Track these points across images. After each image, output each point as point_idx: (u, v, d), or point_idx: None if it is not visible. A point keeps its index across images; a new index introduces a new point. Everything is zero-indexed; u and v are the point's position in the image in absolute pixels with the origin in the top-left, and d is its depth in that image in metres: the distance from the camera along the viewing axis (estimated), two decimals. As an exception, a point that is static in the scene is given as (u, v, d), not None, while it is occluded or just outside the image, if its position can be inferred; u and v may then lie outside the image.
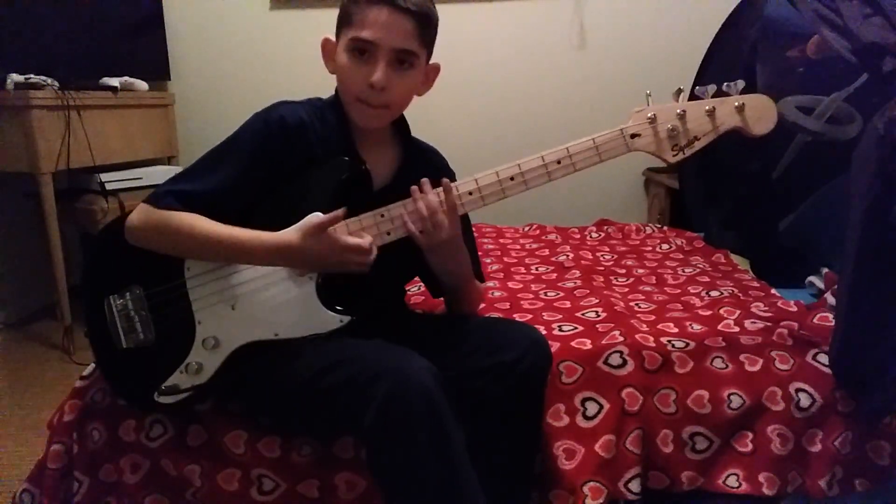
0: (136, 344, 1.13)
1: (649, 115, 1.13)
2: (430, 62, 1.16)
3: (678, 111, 1.12)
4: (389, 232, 1.10)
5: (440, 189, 1.10)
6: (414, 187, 1.10)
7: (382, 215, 1.10)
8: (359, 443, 1.13)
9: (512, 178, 1.12)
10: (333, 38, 1.14)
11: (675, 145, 1.13)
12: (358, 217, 1.09)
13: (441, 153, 1.29)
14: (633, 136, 1.13)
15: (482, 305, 1.50)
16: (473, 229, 2.25)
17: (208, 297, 1.11)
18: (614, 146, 1.13)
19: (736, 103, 1.12)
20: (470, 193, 1.12)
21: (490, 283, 1.70)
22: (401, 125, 1.22)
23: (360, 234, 1.08)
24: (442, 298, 1.33)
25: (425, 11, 1.08)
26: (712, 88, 1.13)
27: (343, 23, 1.11)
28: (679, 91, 1.14)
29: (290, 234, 1.06)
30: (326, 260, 1.05)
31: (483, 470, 1.07)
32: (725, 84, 1.13)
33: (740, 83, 1.13)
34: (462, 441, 0.97)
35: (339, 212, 1.05)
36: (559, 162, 1.12)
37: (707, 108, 1.12)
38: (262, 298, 1.10)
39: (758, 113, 1.13)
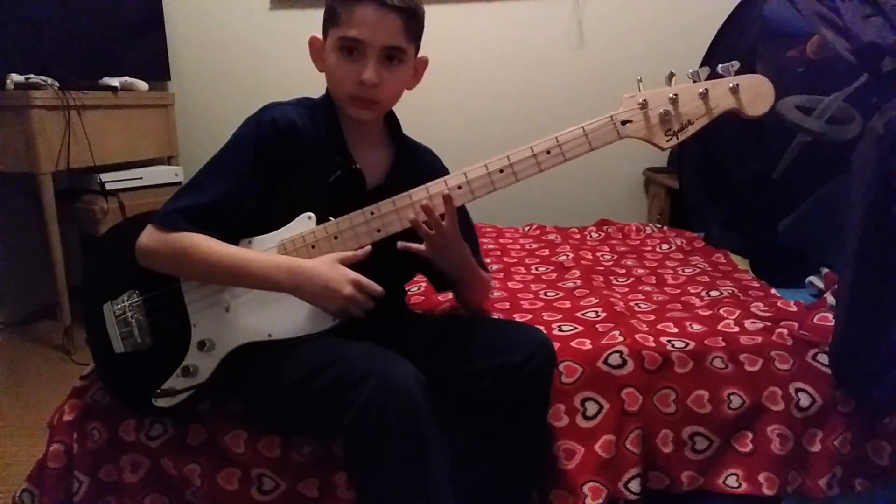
0: (133, 348, 1.13)
1: (640, 100, 1.09)
2: (419, 55, 1.16)
3: (670, 95, 1.08)
4: (380, 229, 1.09)
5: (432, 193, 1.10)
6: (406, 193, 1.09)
7: (372, 213, 1.09)
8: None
9: (501, 171, 1.10)
10: (321, 37, 1.14)
11: (667, 130, 1.09)
12: (348, 215, 1.09)
13: (434, 152, 1.29)
14: (623, 122, 1.09)
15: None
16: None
17: (203, 299, 1.11)
18: (604, 133, 1.09)
19: (730, 84, 1.08)
20: (459, 187, 1.10)
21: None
22: (392, 124, 1.22)
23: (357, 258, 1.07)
24: (445, 293, 1.33)
25: (411, 6, 1.08)
26: (736, 65, 1.09)
27: (330, 22, 1.10)
28: (671, 75, 1.10)
29: (304, 259, 1.07)
30: (333, 286, 1.03)
31: (485, 470, 1.08)
32: (720, 66, 1.09)
33: (735, 64, 1.08)
34: (442, 451, 0.97)
35: (362, 251, 1.06)
36: (549, 152, 1.10)
37: (700, 90, 1.08)
38: (255, 300, 1.10)
39: (753, 93, 1.08)
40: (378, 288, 1.05)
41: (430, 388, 0.97)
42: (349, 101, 1.11)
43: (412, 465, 0.93)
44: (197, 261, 1.06)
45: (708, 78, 1.10)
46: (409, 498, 0.94)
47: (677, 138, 1.10)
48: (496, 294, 1.61)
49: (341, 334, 1.09)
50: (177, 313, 1.11)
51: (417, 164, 1.17)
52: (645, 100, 1.09)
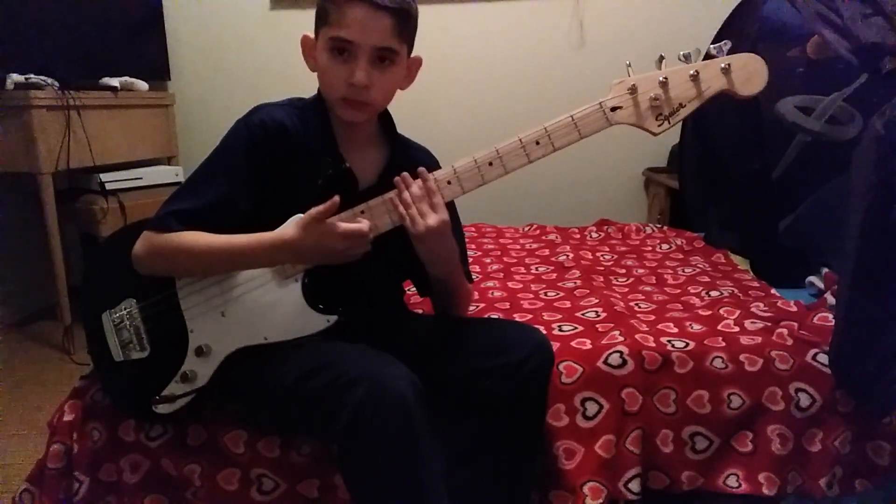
0: (132, 356, 1.13)
1: (629, 85, 1.07)
2: (413, 55, 1.15)
3: (660, 79, 1.06)
4: (370, 228, 1.08)
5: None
6: (397, 178, 1.08)
7: (362, 212, 1.08)
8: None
9: (490, 164, 1.08)
10: (313, 36, 1.12)
11: (658, 115, 1.07)
12: (337, 215, 1.07)
13: (431, 152, 1.27)
14: (613, 108, 1.07)
15: (481, 306, 1.51)
16: (474, 228, 2.28)
17: (199, 305, 1.11)
18: (593, 121, 1.08)
19: (722, 65, 1.05)
20: (449, 182, 1.08)
21: (490, 283, 1.70)
22: (387, 124, 1.21)
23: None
24: (429, 298, 1.32)
25: (403, 7, 1.06)
26: (728, 44, 1.06)
27: (321, 21, 1.09)
28: (661, 58, 1.07)
29: (288, 229, 1.05)
30: (327, 248, 1.03)
31: (484, 470, 1.08)
32: (712, 46, 1.07)
33: (728, 44, 1.06)
34: (437, 453, 0.96)
35: (333, 201, 1.03)
36: (538, 142, 1.08)
37: (691, 72, 1.06)
38: (250, 303, 1.09)
39: (746, 73, 1.05)
40: (363, 227, 1.04)
41: (424, 391, 0.96)
42: (340, 103, 1.10)
43: (405, 467, 0.92)
44: (191, 256, 1.06)
45: (704, 59, 1.08)
46: (403, 501, 0.93)
47: (669, 123, 1.08)
48: (496, 294, 1.62)
49: (338, 335, 1.08)
50: (174, 320, 1.11)
51: (412, 164, 1.15)
52: (634, 84, 1.07)
